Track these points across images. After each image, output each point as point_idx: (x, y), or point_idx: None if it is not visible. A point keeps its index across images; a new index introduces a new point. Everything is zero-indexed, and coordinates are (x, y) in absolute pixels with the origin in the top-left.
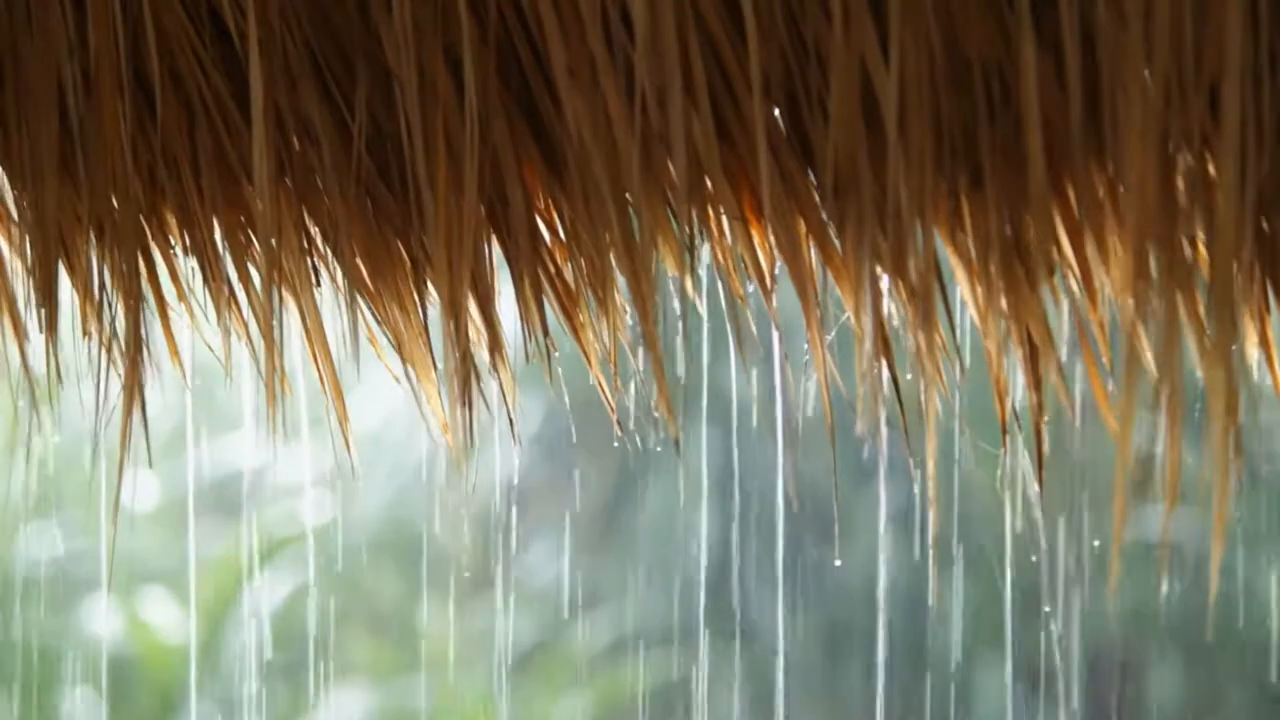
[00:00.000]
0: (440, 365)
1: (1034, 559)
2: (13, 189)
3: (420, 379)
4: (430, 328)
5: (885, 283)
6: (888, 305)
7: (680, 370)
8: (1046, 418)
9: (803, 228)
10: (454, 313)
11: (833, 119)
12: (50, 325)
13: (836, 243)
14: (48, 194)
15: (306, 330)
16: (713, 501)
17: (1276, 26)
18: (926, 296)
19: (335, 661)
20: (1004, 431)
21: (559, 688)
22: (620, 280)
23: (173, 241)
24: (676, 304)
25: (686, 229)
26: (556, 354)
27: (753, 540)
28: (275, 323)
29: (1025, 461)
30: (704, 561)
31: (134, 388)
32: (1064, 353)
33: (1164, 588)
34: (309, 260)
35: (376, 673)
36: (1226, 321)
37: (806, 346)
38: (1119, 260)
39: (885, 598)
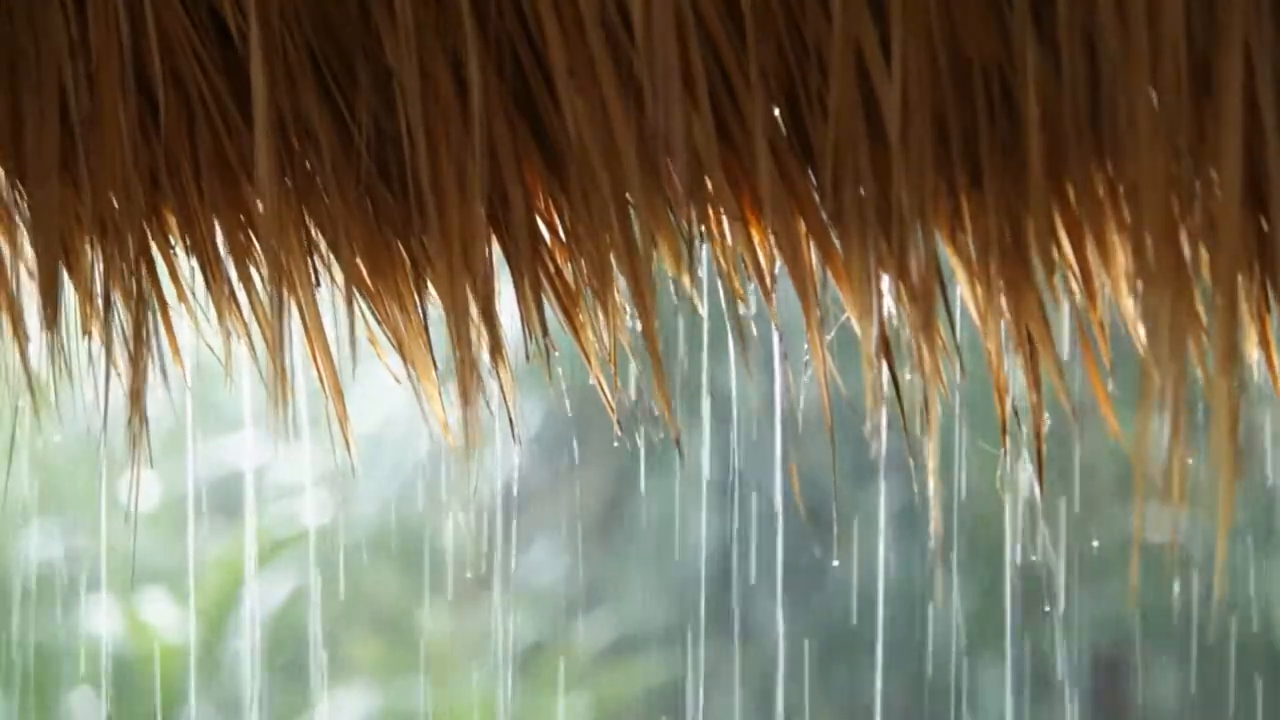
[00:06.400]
0: (440, 365)
1: (1034, 558)
2: (14, 189)
3: (420, 379)
4: (430, 328)
5: (885, 282)
6: (888, 305)
7: (680, 370)
8: (1046, 417)
9: (803, 228)
10: (454, 313)
11: (833, 118)
12: (51, 325)
13: (836, 243)
14: (49, 194)
15: (306, 330)
16: (712, 501)
17: (1277, 26)
18: (927, 296)
19: (335, 662)
20: (1004, 431)
21: (559, 688)
22: (620, 280)
23: (173, 241)
24: (677, 304)
25: (686, 229)
26: (556, 354)
27: (753, 539)
28: (276, 323)
29: (1025, 461)
30: (703, 561)
31: (137, 388)
32: (1064, 353)
33: (1167, 589)
34: (309, 260)
35: (376, 673)
36: (1228, 321)
37: (806, 346)
38: (1119, 260)
39: (885, 597)
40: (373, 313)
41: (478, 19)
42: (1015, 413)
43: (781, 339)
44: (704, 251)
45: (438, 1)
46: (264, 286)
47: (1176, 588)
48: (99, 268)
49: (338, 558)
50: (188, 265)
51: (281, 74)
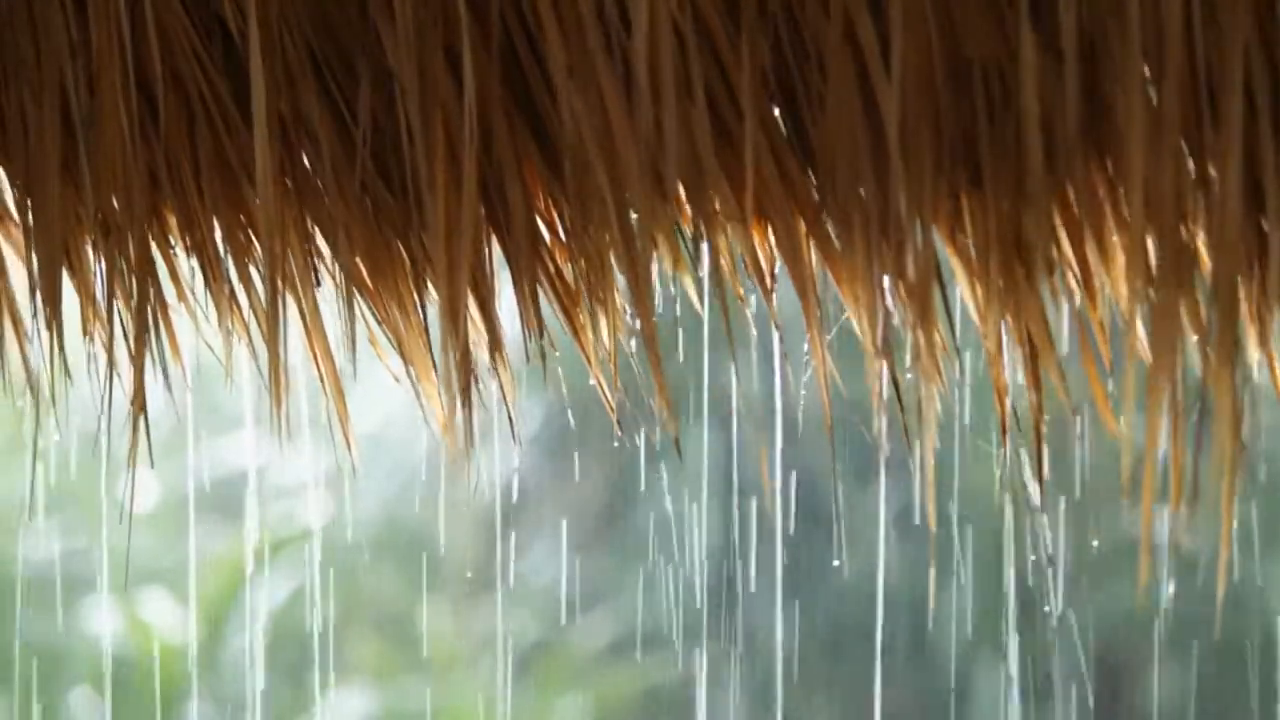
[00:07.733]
0: (440, 365)
1: (1033, 558)
2: (15, 189)
3: (420, 379)
4: (430, 328)
5: (885, 282)
6: (888, 305)
7: (680, 370)
8: (1046, 417)
9: (803, 228)
10: (454, 313)
11: (832, 119)
12: (52, 325)
13: (836, 243)
14: (50, 195)
15: (306, 330)
16: (712, 501)
17: (1276, 25)
18: (926, 296)
19: (335, 662)
20: (1004, 431)
21: (559, 688)
22: (620, 280)
23: (173, 242)
24: (676, 304)
25: (686, 229)
26: (557, 354)
27: (752, 540)
28: (276, 323)
29: (1025, 461)
30: (704, 561)
31: (137, 388)
32: (1064, 353)
33: (1166, 589)
34: (309, 260)
35: (377, 673)
36: (1229, 321)
37: (806, 346)
38: (1119, 260)
39: (885, 598)
40: (373, 313)
41: (477, 19)
42: (1015, 412)
43: (782, 339)
44: (704, 251)
45: (438, 1)
46: (264, 286)
47: (1174, 588)
48: (100, 268)
49: (338, 558)
50: (188, 265)
51: (281, 74)
